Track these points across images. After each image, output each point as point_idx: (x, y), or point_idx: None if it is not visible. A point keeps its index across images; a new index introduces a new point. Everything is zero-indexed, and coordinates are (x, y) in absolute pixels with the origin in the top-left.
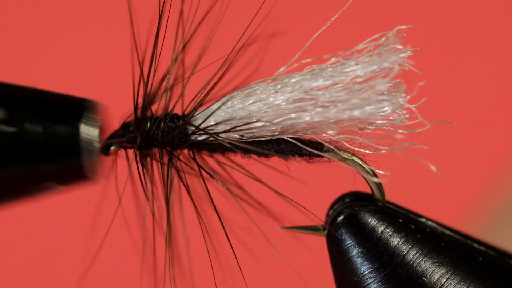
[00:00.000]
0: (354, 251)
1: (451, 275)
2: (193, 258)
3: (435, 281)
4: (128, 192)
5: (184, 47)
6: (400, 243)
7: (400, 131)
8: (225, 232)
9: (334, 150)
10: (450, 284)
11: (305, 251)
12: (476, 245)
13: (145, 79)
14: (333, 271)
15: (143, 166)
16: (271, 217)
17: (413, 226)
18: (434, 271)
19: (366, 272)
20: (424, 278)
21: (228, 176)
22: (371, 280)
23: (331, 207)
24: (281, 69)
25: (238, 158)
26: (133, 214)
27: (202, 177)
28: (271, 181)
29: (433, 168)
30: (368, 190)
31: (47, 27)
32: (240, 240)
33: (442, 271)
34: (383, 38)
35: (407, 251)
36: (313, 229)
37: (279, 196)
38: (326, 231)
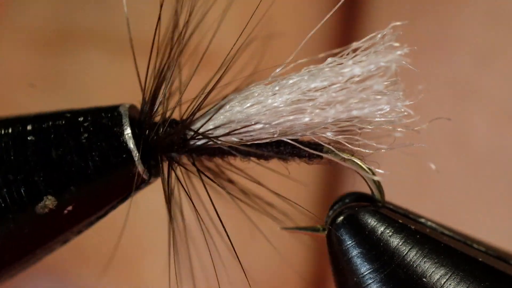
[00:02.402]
0: (354, 252)
1: (451, 275)
2: (195, 259)
3: (435, 281)
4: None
5: (181, 52)
6: (400, 243)
7: (399, 129)
8: (227, 233)
9: (333, 151)
10: (450, 284)
11: (306, 251)
12: (475, 246)
13: (143, 86)
14: (333, 272)
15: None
16: (271, 218)
17: (413, 227)
18: (434, 271)
19: (366, 273)
20: (424, 279)
21: (229, 180)
22: (371, 281)
23: (331, 208)
24: (277, 70)
25: (238, 161)
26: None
27: (202, 181)
28: (271, 182)
29: (433, 167)
30: (368, 191)
31: None
32: (241, 241)
33: (442, 271)
34: (379, 36)
35: (407, 252)
36: (313, 229)
37: (279, 198)
38: (326, 232)
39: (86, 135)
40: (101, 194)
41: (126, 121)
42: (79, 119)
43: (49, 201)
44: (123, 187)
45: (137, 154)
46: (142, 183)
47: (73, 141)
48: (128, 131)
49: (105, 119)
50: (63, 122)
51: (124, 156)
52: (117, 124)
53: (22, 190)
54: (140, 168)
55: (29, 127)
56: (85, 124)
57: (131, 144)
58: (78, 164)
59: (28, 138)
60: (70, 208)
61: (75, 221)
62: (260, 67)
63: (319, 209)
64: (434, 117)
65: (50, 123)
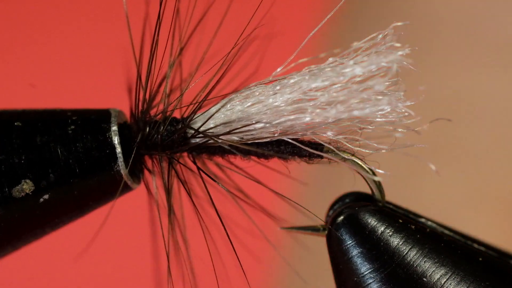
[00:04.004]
0: (354, 251)
1: (451, 275)
2: (195, 259)
3: (435, 281)
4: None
5: (181, 50)
6: (400, 243)
7: (399, 130)
8: (227, 233)
9: (334, 151)
10: (450, 284)
11: (305, 251)
12: (476, 245)
13: (144, 83)
14: (333, 271)
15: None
16: (271, 218)
17: (413, 227)
18: (434, 271)
19: (366, 273)
20: (424, 279)
21: (228, 179)
22: (371, 281)
23: (331, 208)
24: (278, 70)
25: (238, 160)
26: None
27: (203, 180)
28: (271, 182)
29: (433, 167)
30: (368, 191)
31: (47, 31)
32: (241, 241)
33: (442, 271)
34: (380, 36)
35: (407, 252)
36: (313, 229)
37: (279, 197)
38: (326, 231)
39: (72, 127)
40: (80, 187)
41: (114, 119)
42: (68, 113)
43: (27, 185)
44: (103, 185)
45: (120, 151)
46: (125, 187)
47: (59, 131)
48: (114, 128)
49: (94, 115)
50: (52, 114)
51: (107, 151)
52: (105, 121)
53: (1, 170)
54: (121, 165)
55: (17, 115)
56: (74, 118)
57: (115, 140)
58: (61, 152)
59: (15, 123)
60: (46, 196)
61: (50, 211)
62: (261, 66)
63: (319, 209)
64: (435, 118)
65: (40, 114)
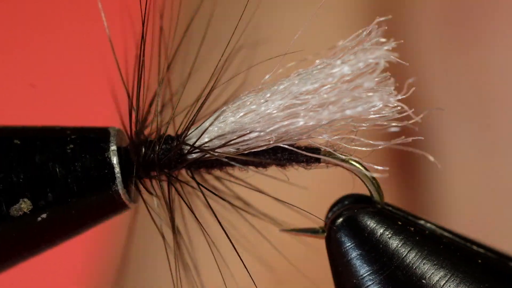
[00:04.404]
0: (353, 253)
1: (450, 277)
2: (201, 270)
3: (434, 283)
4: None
5: (168, 66)
6: (399, 245)
7: (393, 124)
8: (233, 244)
9: (331, 154)
10: (449, 286)
11: (308, 252)
12: (475, 247)
13: (134, 104)
14: (332, 273)
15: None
16: (273, 224)
17: (412, 228)
18: (433, 273)
19: (365, 275)
20: (423, 280)
21: (228, 189)
22: (370, 283)
23: (330, 210)
24: (267, 77)
25: (236, 170)
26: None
27: (203, 194)
28: (271, 185)
29: (431, 158)
30: (367, 193)
31: (47, 31)
32: (247, 249)
33: (441, 273)
34: (364, 33)
35: (406, 253)
36: (313, 231)
37: (279, 201)
38: (326, 234)
39: (71, 145)
40: (78, 207)
41: (113, 139)
42: (67, 131)
43: (25, 204)
44: (101, 204)
45: (119, 171)
46: (124, 206)
47: (58, 150)
48: (113, 147)
49: (93, 134)
50: (52, 132)
51: (106, 171)
52: (104, 140)
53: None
54: (120, 185)
55: (17, 133)
56: (73, 137)
57: (114, 160)
58: (60, 172)
59: (15, 141)
60: (44, 215)
61: (47, 230)
62: (249, 75)
63: (319, 211)
64: (427, 110)
65: (39, 132)
